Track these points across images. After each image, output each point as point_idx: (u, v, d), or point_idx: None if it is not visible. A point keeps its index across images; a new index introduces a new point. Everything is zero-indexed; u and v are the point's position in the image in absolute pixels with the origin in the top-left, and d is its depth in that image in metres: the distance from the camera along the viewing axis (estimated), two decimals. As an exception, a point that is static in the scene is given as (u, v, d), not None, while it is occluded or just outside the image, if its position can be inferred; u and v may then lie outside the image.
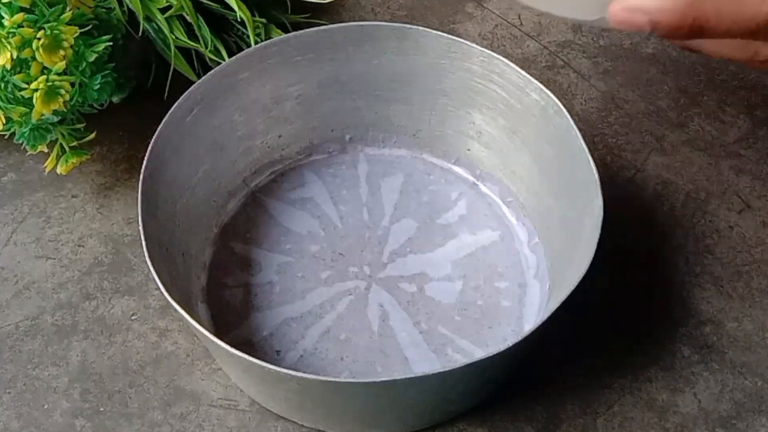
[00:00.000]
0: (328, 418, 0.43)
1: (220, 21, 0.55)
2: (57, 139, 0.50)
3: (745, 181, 0.55)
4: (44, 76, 0.46)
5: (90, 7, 0.49)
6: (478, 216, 0.51)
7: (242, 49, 0.49)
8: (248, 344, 0.46)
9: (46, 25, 0.45)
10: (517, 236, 0.50)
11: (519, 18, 0.63)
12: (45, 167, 0.51)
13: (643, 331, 0.48)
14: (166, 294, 0.39)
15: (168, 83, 0.54)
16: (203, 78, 0.46)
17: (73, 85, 0.47)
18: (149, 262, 0.39)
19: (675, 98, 0.59)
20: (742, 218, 0.53)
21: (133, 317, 0.49)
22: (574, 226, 0.45)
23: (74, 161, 0.50)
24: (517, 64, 0.46)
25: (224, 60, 0.53)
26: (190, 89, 0.46)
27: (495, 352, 0.37)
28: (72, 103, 0.48)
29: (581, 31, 0.62)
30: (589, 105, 0.58)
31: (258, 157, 0.52)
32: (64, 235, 0.52)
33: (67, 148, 0.50)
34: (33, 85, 0.45)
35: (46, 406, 0.46)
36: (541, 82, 0.46)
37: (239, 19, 0.53)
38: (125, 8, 0.52)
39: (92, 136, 0.51)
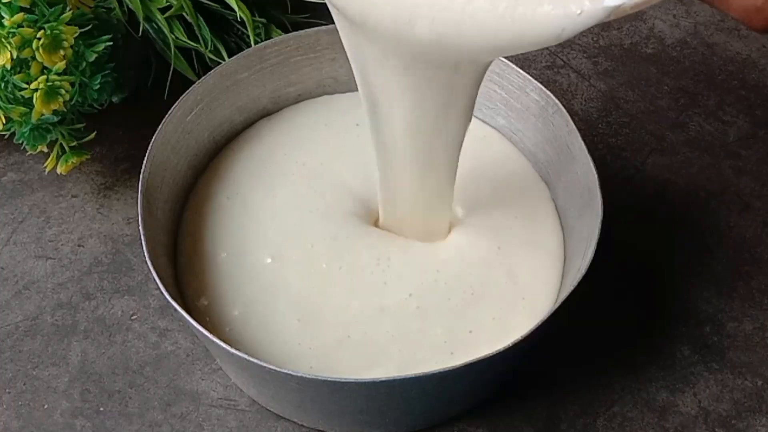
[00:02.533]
0: (328, 418, 0.43)
1: (220, 21, 0.55)
2: (57, 139, 0.50)
3: (745, 181, 0.55)
4: (44, 76, 0.46)
5: (90, 7, 0.49)
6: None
7: (242, 49, 0.49)
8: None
9: (46, 25, 0.45)
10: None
11: (519, 18, 0.63)
12: (45, 167, 0.51)
13: (643, 331, 0.48)
14: (166, 294, 0.39)
15: (168, 83, 0.54)
16: (203, 78, 0.46)
17: (73, 85, 0.47)
18: (149, 262, 0.40)
19: (675, 98, 0.59)
20: (742, 218, 0.53)
21: (133, 317, 0.49)
22: (575, 226, 0.45)
23: (74, 161, 0.51)
24: (516, 64, 0.46)
25: (224, 60, 0.53)
26: (190, 89, 0.46)
27: (495, 352, 0.37)
28: (72, 103, 0.48)
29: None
30: (589, 105, 0.58)
31: (258, 157, 0.52)
32: (64, 235, 0.52)
33: (67, 148, 0.50)
34: (33, 85, 0.45)
35: (46, 406, 0.46)
36: (541, 82, 0.46)
37: (239, 19, 0.53)
38: (125, 8, 0.52)
39: (92, 136, 0.51)
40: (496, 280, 0.44)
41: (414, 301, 0.43)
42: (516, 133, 0.49)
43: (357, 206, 0.47)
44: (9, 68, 0.45)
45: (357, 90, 0.38)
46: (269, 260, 0.44)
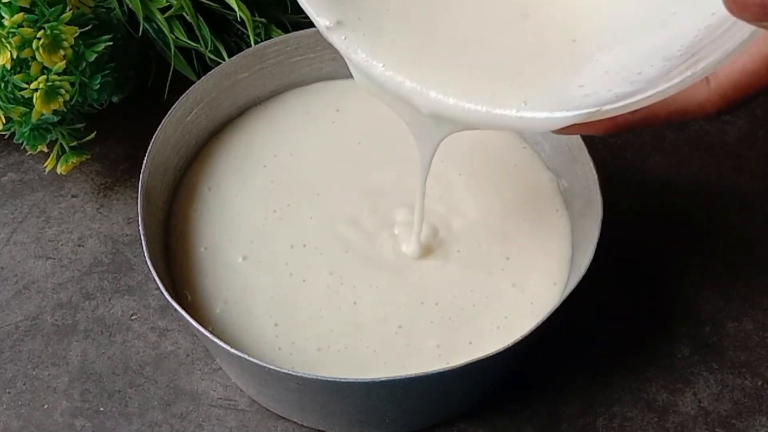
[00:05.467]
0: (328, 418, 0.43)
1: (220, 21, 0.55)
2: (57, 139, 0.50)
3: (745, 181, 0.55)
4: (44, 76, 0.46)
5: (90, 7, 0.49)
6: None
7: (242, 49, 0.49)
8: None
9: (46, 25, 0.45)
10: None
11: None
12: (45, 167, 0.51)
13: (643, 331, 0.48)
14: (166, 294, 0.39)
15: (168, 83, 0.54)
16: (203, 78, 0.46)
17: (73, 85, 0.47)
18: (149, 263, 0.40)
19: (675, 98, 0.59)
20: (742, 218, 0.53)
21: (133, 317, 0.49)
22: (575, 226, 0.45)
23: (74, 161, 0.51)
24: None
25: (224, 60, 0.53)
26: (190, 89, 0.46)
27: (495, 352, 0.37)
28: (72, 103, 0.48)
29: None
30: (589, 105, 0.58)
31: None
32: (64, 235, 0.52)
33: (67, 148, 0.50)
34: (33, 85, 0.45)
35: (46, 406, 0.46)
36: (541, 82, 0.46)
37: (239, 19, 0.53)
38: (125, 8, 0.52)
39: (92, 136, 0.51)
40: (501, 290, 0.43)
41: (394, 322, 0.42)
42: (515, 133, 0.49)
43: (317, 207, 0.46)
44: (9, 68, 0.45)
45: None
46: (241, 259, 0.44)
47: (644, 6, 0.32)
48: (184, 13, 0.52)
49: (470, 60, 0.34)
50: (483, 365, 0.37)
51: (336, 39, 0.34)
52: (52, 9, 0.46)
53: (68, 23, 0.46)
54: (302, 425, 0.45)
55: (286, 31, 0.54)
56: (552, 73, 0.32)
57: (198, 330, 0.38)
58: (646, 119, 0.32)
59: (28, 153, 0.51)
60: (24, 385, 0.46)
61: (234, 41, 0.56)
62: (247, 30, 0.53)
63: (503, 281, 0.44)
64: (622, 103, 0.29)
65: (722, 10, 0.26)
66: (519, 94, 0.32)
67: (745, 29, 0.27)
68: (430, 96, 0.33)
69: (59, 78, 0.46)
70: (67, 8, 0.46)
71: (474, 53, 0.34)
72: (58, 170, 0.51)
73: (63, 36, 0.46)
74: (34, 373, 0.47)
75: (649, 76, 0.29)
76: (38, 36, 0.45)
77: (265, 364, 0.37)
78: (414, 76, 0.33)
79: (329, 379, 0.37)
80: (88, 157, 0.51)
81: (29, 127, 0.48)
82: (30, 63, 0.45)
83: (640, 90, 0.29)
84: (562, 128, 0.32)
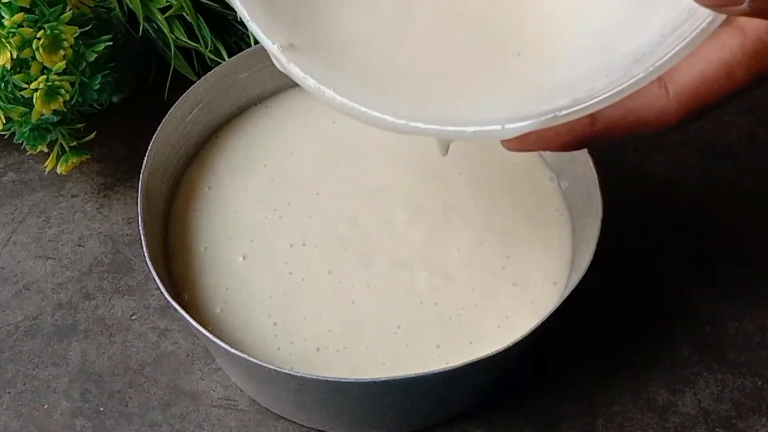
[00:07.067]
0: (327, 418, 0.43)
1: (220, 21, 0.55)
2: (57, 139, 0.50)
3: (745, 181, 0.55)
4: (44, 76, 0.46)
5: (90, 7, 0.49)
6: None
7: (242, 49, 0.49)
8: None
9: (46, 25, 0.45)
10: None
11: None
12: (45, 167, 0.51)
13: (643, 331, 0.48)
14: (166, 294, 0.39)
15: (168, 83, 0.54)
16: (203, 78, 0.46)
17: (73, 85, 0.47)
18: (149, 263, 0.40)
19: (675, 98, 0.59)
20: (742, 218, 0.53)
21: (133, 317, 0.49)
22: (575, 226, 0.45)
23: (74, 161, 0.51)
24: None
25: (224, 60, 0.53)
26: (190, 89, 0.46)
27: (495, 352, 0.37)
28: (72, 103, 0.48)
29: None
30: (589, 105, 0.58)
31: (258, 157, 0.52)
32: (64, 235, 0.52)
33: (67, 148, 0.50)
34: (33, 85, 0.45)
35: (46, 406, 0.46)
36: (541, 82, 0.46)
37: (239, 19, 0.53)
38: (125, 8, 0.52)
39: (92, 136, 0.51)
40: (501, 290, 0.43)
41: (393, 322, 0.42)
42: None
43: (316, 207, 0.46)
44: (9, 68, 0.45)
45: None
46: (241, 259, 0.44)
47: (605, 22, 0.31)
48: (184, 13, 0.52)
49: (424, 78, 0.33)
50: (483, 365, 0.37)
51: (285, 62, 0.32)
52: (52, 9, 0.46)
53: (68, 23, 0.46)
54: (302, 425, 0.45)
55: (286, 31, 0.54)
56: (505, 86, 0.32)
57: (198, 330, 0.38)
58: (605, 132, 0.31)
59: (28, 153, 0.51)
60: (24, 385, 0.46)
61: (234, 41, 0.56)
62: (247, 30, 0.53)
63: (503, 281, 0.44)
64: (579, 106, 0.28)
65: (680, 5, 0.26)
66: (470, 108, 0.31)
67: (703, 17, 0.26)
68: (380, 119, 0.32)
69: (59, 78, 0.46)
70: (67, 8, 0.46)
71: (427, 71, 0.33)
72: (58, 170, 0.51)
73: (63, 36, 0.46)
74: (34, 373, 0.47)
75: (607, 80, 0.28)
76: (38, 36, 0.45)
77: (264, 364, 0.37)
78: (363, 100, 0.32)
79: (329, 379, 0.37)
80: (88, 157, 0.51)
81: (29, 127, 0.48)
82: (30, 63, 0.45)
83: (599, 91, 0.28)
84: (520, 142, 0.31)
